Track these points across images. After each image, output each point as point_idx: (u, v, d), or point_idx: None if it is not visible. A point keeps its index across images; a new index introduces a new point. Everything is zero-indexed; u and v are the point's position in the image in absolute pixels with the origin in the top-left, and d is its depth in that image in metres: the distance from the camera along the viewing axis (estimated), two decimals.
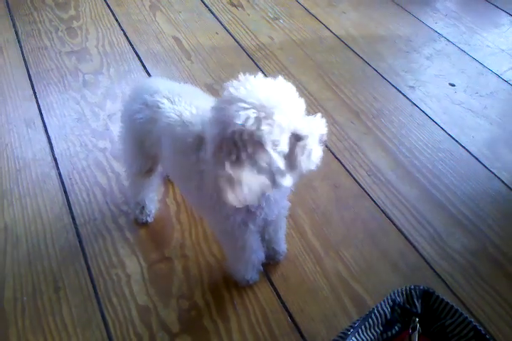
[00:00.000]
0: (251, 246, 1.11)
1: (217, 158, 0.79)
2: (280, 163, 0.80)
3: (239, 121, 0.75)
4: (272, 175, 0.81)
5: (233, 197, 0.79)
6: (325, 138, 0.85)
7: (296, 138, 0.81)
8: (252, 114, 0.75)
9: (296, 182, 0.88)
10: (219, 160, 0.79)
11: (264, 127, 0.75)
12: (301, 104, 0.82)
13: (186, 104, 1.02)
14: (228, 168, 0.78)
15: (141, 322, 1.17)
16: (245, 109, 0.75)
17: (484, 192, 1.51)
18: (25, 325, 1.15)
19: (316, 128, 0.83)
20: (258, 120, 0.75)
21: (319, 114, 0.86)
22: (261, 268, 1.24)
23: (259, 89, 0.78)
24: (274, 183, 0.83)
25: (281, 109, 0.76)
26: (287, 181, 0.83)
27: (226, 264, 1.24)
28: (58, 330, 1.15)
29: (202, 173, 0.93)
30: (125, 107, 1.16)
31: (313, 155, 0.84)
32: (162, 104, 1.02)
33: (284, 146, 0.79)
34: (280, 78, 0.83)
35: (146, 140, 1.09)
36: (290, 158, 0.82)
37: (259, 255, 1.18)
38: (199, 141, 0.92)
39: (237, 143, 0.77)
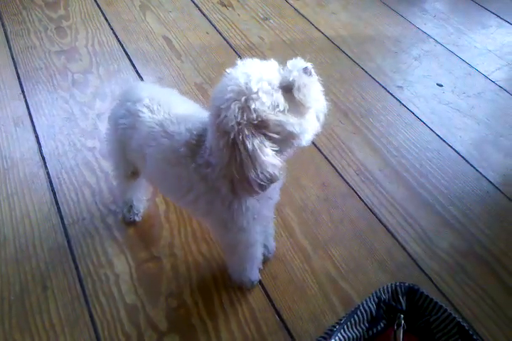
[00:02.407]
0: (258, 240, 1.11)
1: (232, 160, 0.81)
2: (290, 120, 0.80)
3: (232, 122, 0.78)
4: (291, 133, 0.82)
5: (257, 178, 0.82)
6: (309, 69, 0.83)
7: (288, 89, 0.80)
8: (234, 106, 0.78)
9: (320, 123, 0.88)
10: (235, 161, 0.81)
11: (253, 105, 0.77)
12: (270, 63, 0.84)
13: (165, 113, 1.02)
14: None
15: (129, 322, 1.17)
16: (228, 107, 0.78)
17: (471, 191, 1.52)
18: (12, 324, 1.15)
19: (295, 69, 0.82)
20: (243, 107, 0.78)
21: (293, 58, 0.85)
22: (261, 266, 1.24)
23: (228, 82, 0.81)
24: (299, 137, 0.83)
25: (253, 79, 0.78)
26: (308, 127, 0.84)
27: (229, 271, 1.23)
28: (46, 330, 1.15)
29: (206, 177, 0.92)
30: (112, 111, 1.17)
31: (311, 89, 0.82)
32: (142, 113, 1.03)
33: (284, 103, 0.79)
34: (238, 62, 0.84)
35: (128, 145, 1.10)
36: (298, 107, 0.81)
37: (261, 251, 1.19)
38: (192, 147, 0.93)
39: (245, 139, 0.79)
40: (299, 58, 0.84)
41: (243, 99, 0.77)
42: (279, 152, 0.84)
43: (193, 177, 0.94)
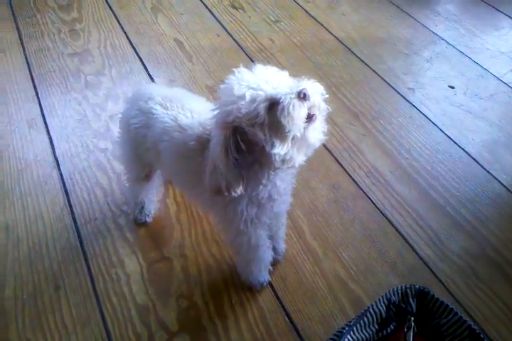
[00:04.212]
0: (263, 244, 1.12)
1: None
2: (260, 134, 0.79)
3: (214, 119, 0.85)
4: (264, 151, 0.81)
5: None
6: (305, 92, 0.78)
7: (273, 105, 0.78)
8: (221, 106, 0.82)
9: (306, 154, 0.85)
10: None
11: (229, 107, 0.79)
12: (280, 75, 0.83)
13: (179, 108, 1.03)
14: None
15: (140, 322, 1.18)
16: (218, 106, 0.84)
17: (483, 194, 1.51)
18: (25, 323, 1.16)
19: (291, 88, 0.79)
20: (224, 107, 0.81)
21: (303, 77, 0.83)
22: (271, 267, 1.24)
23: (232, 82, 0.82)
24: (272, 158, 0.81)
25: (242, 85, 0.79)
26: (285, 151, 0.80)
27: (238, 271, 1.24)
28: (58, 329, 1.16)
29: None
30: (123, 113, 1.18)
31: (294, 114, 0.77)
32: (155, 110, 1.04)
33: (262, 116, 0.78)
34: (256, 65, 0.84)
35: (141, 145, 1.10)
36: (278, 128, 0.78)
37: (268, 254, 1.18)
38: (202, 142, 0.94)
39: (215, 138, 0.84)
40: (307, 79, 0.82)
41: (229, 101, 0.80)
42: (245, 164, 0.85)
43: (200, 170, 0.94)
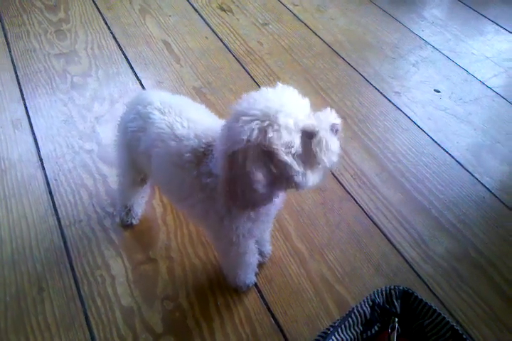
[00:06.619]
0: (251, 250, 1.12)
1: (228, 172, 0.81)
2: (296, 166, 0.81)
3: (244, 136, 0.77)
4: (292, 177, 0.82)
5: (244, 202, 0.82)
6: (338, 127, 0.84)
7: (308, 136, 0.81)
8: (255, 125, 0.77)
9: (324, 179, 0.88)
10: (230, 172, 0.81)
11: (271, 134, 0.77)
12: (305, 102, 0.84)
13: (176, 115, 1.02)
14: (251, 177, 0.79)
15: (124, 324, 1.17)
16: (249, 122, 0.78)
17: (467, 196, 1.53)
18: (8, 325, 1.15)
19: (325, 121, 0.83)
20: (262, 129, 0.77)
21: (328, 108, 0.87)
22: (257, 269, 1.24)
23: (259, 99, 0.80)
24: (297, 185, 0.84)
25: (284, 112, 0.78)
26: (311, 179, 0.84)
27: (224, 273, 1.24)
28: (41, 331, 1.14)
29: (206, 187, 0.93)
30: (121, 117, 1.16)
31: (331, 148, 0.83)
32: (153, 114, 1.03)
33: (298, 147, 0.80)
34: (279, 84, 0.85)
35: (136, 148, 1.09)
36: (309, 157, 0.82)
37: (255, 258, 1.19)
38: (199, 155, 0.94)
39: (247, 157, 0.78)
40: (333, 111, 0.85)
41: (265, 123, 0.78)
42: (272, 185, 0.84)
43: (194, 184, 0.95)
